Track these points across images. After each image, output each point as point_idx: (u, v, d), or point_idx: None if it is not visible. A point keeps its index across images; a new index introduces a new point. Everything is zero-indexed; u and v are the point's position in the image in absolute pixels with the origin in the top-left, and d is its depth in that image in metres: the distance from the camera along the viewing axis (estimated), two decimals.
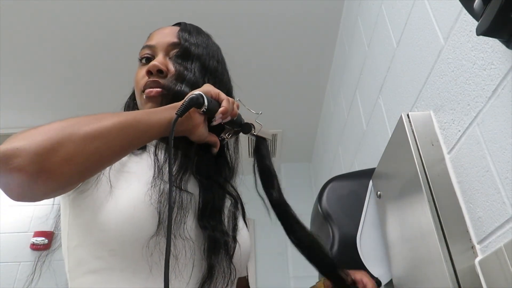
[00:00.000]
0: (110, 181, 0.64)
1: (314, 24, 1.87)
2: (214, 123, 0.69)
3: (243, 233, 0.75)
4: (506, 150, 0.59)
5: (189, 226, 0.65)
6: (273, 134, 2.72)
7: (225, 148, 0.85)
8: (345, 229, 0.90)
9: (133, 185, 0.64)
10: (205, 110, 0.65)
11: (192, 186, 0.71)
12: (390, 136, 0.90)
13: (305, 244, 0.76)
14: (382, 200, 0.90)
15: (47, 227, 2.73)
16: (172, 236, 0.60)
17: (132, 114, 0.59)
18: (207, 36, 0.88)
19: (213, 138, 0.74)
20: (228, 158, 0.84)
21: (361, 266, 0.85)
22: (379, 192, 0.91)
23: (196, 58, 0.79)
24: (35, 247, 2.57)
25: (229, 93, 0.85)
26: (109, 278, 0.60)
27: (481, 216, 0.64)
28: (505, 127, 0.59)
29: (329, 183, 1.00)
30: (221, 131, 0.78)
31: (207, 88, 0.69)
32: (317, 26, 1.88)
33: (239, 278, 0.80)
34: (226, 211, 0.73)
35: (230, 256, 0.66)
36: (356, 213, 0.92)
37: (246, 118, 0.80)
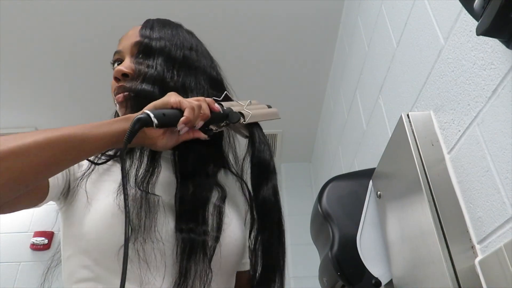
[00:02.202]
0: (86, 192, 0.66)
1: (314, 24, 1.87)
2: (181, 132, 0.64)
3: (229, 230, 0.71)
4: (506, 150, 0.59)
5: (165, 228, 0.64)
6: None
7: (220, 136, 0.80)
8: (345, 229, 0.90)
9: (110, 194, 0.64)
10: (157, 125, 0.60)
11: (171, 185, 0.70)
12: (390, 136, 0.90)
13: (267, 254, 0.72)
14: (382, 200, 0.90)
15: (47, 227, 2.74)
16: (142, 240, 0.61)
17: (74, 129, 0.56)
18: (176, 27, 0.84)
19: (187, 136, 0.67)
20: (223, 147, 0.81)
21: (361, 266, 0.85)
22: (379, 192, 0.91)
23: (159, 52, 0.77)
24: (35, 247, 2.57)
25: (212, 79, 0.81)
26: (94, 286, 0.61)
27: (481, 216, 0.64)
28: (505, 127, 0.59)
29: (329, 183, 1.00)
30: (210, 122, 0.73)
31: (166, 99, 0.64)
32: (317, 26, 1.88)
33: (240, 272, 0.79)
34: (211, 208, 0.70)
35: (208, 257, 0.64)
36: (356, 213, 0.92)
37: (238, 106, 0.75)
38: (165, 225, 0.65)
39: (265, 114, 0.81)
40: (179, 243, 0.63)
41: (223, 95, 0.79)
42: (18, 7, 1.75)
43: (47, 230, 2.60)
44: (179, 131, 0.64)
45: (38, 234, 2.61)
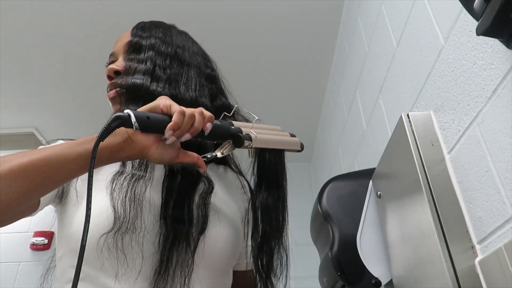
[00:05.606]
0: (76, 191, 0.66)
1: (314, 24, 1.87)
2: (167, 142, 0.57)
3: (218, 225, 0.70)
4: (506, 150, 0.59)
5: (149, 218, 0.63)
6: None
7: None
8: (345, 229, 0.90)
9: (101, 192, 0.64)
10: (137, 128, 0.54)
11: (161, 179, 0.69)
12: (390, 136, 0.90)
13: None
14: (382, 200, 0.90)
15: (47, 227, 2.73)
16: (124, 231, 0.60)
17: (47, 151, 0.53)
18: (168, 27, 0.84)
19: (188, 159, 0.62)
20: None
21: (361, 266, 0.85)
22: (379, 192, 0.91)
23: (149, 48, 0.77)
24: (35, 247, 2.57)
25: (207, 75, 0.81)
26: (84, 286, 0.61)
27: (481, 216, 0.64)
28: (505, 127, 0.59)
29: (329, 183, 1.00)
30: (216, 146, 0.68)
31: (155, 102, 0.58)
32: (317, 26, 1.88)
33: (238, 272, 0.78)
34: (197, 199, 0.69)
35: (191, 248, 0.63)
36: (356, 213, 0.92)
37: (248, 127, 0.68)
38: (150, 215, 0.64)
39: (279, 141, 0.73)
40: (163, 231, 0.62)
41: (233, 110, 0.74)
42: (18, 8, 1.75)
43: (47, 230, 2.60)
44: (166, 139, 0.56)
45: (38, 234, 2.60)
